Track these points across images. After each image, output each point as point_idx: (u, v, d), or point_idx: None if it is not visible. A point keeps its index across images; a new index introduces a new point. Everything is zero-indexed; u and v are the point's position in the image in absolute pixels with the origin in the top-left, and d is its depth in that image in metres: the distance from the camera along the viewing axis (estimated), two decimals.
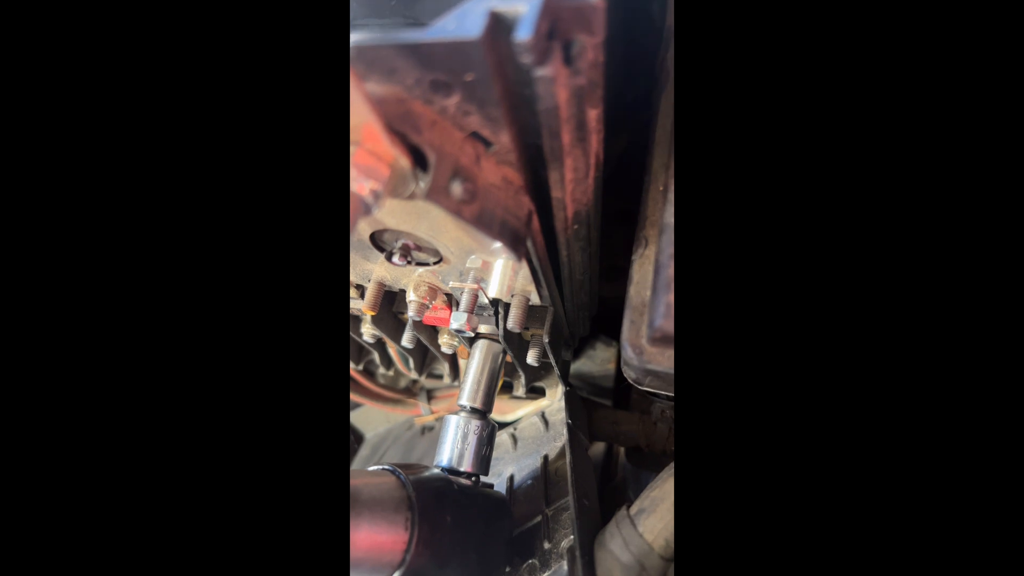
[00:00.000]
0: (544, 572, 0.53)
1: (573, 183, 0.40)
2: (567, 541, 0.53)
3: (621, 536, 0.43)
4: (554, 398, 0.83)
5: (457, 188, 0.34)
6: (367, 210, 0.33)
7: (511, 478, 0.71)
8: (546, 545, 0.56)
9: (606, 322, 0.91)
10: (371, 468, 0.54)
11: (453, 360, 0.83)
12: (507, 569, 0.57)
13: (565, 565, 0.49)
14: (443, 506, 0.53)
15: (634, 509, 0.45)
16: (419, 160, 0.34)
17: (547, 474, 0.66)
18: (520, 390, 0.81)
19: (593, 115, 0.36)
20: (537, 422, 0.79)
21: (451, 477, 0.57)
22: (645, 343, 0.41)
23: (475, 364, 0.64)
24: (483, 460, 0.60)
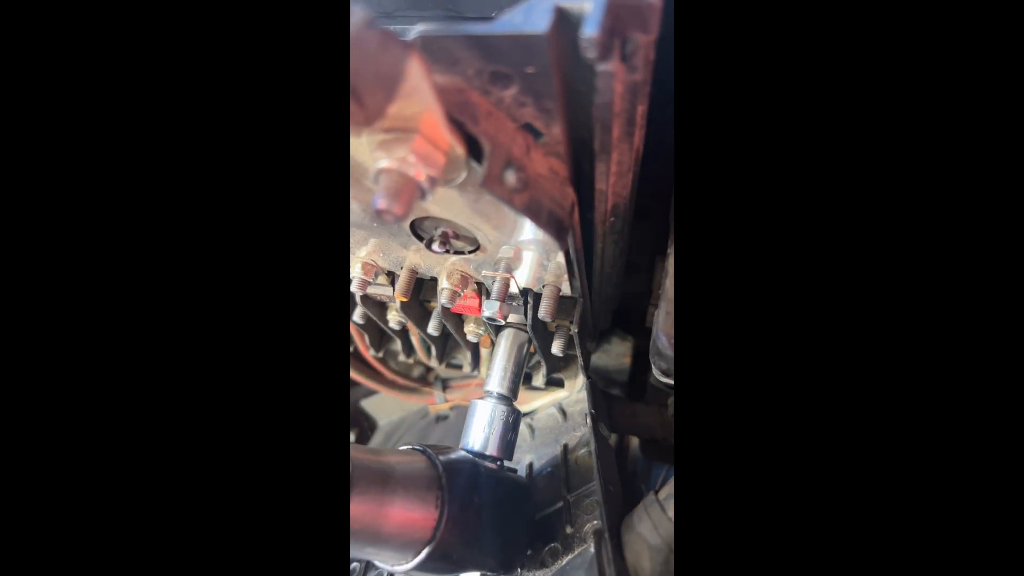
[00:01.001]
0: (567, 555, 0.55)
1: (616, 176, 0.41)
2: (591, 526, 0.55)
3: (650, 519, 0.44)
4: (572, 389, 0.84)
5: (511, 177, 0.35)
6: (422, 195, 0.34)
7: (530, 466, 0.72)
8: (568, 530, 0.57)
9: (621, 316, 0.93)
10: (402, 448, 0.56)
11: (475, 349, 0.84)
12: (529, 552, 0.59)
13: (590, 548, 0.51)
14: (471, 487, 0.54)
15: (662, 494, 0.46)
16: (472, 149, 0.35)
17: (567, 462, 0.68)
18: (540, 380, 0.83)
19: (640, 111, 0.37)
20: (555, 413, 0.81)
21: (478, 460, 0.59)
22: None
23: (501, 352, 0.65)
24: (508, 445, 0.61)
